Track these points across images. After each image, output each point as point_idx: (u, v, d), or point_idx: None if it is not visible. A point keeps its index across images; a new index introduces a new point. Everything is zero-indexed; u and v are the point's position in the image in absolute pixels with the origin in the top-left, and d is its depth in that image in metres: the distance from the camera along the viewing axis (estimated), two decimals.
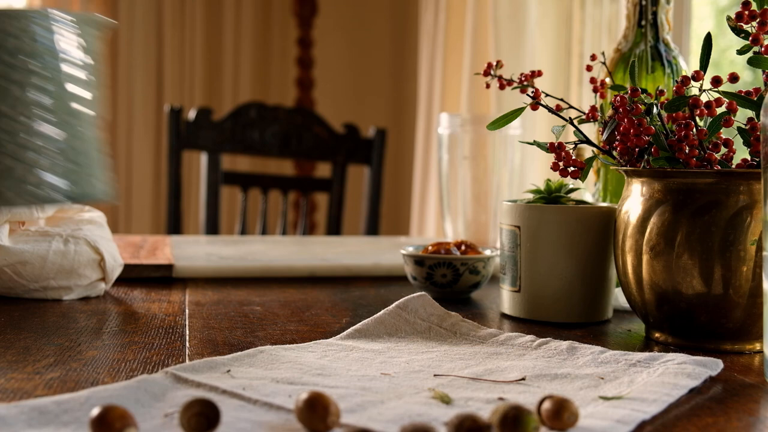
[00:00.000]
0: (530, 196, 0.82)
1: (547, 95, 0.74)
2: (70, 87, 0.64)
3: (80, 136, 0.64)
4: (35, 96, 0.61)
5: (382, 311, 0.69)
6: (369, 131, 1.94)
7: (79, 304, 0.81)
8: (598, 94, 0.77)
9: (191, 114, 1.85)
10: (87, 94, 0.65)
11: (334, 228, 1.91)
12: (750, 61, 0.65)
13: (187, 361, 0.59)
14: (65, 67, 0.63)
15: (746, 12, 0.65)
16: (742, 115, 0.67)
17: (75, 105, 0.64)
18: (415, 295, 0.71)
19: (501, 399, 0.49)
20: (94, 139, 0.66)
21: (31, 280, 0.80)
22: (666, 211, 0.66)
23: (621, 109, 0.68)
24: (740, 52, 0.66)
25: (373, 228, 1.90)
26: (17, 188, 0.60)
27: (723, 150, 0.67)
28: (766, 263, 0.56)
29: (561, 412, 0.43)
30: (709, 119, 0.66)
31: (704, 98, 0.66)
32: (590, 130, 0.81)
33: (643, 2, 0.83)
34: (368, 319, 0.68)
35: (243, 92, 3.36)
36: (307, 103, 3.39)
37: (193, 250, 1.18)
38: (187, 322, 0.73)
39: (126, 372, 0.56)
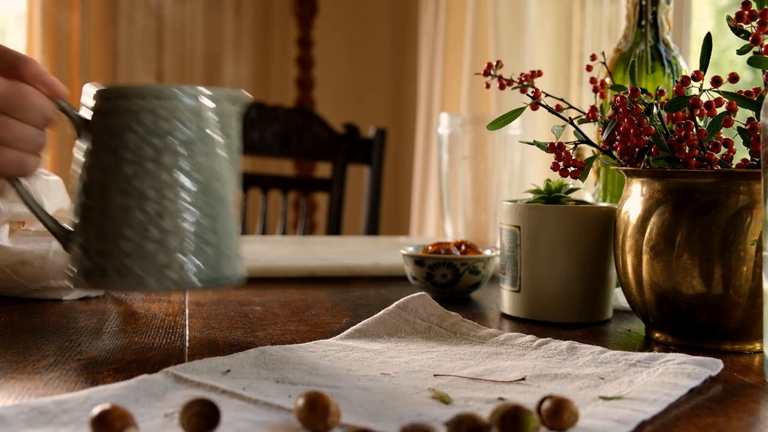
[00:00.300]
0: (530, 196, 0.82)
1: (547, 95, 0.74)
2: (213, 167, 0.63)
3: (220, 218, 0.63)
4: (180, 179, 0.61)
5: (382, 311, 0.69)
6: (369, 131, 1.94)
7: (79, 304, 0.81)
8: (598, 94, 0.77)
9: None
10: (228, 174, 0.65)
11: (334, 228, 1.90)
12: (750, 61, 0.65)
13: (187, 361, 0.59)
14: (209, 148, 0.63)
15: (746, 12, 0.65)
16: (742, 115, 0.67)
17: (216, 186, 0.63)
18: (415, 295, 0.71)
19: (501, 399, 0.49)
20: (232, 219, 0.65)
21: (31, 280, 0.80)
22: (666, 211, 0.66)
23: (621, 109, 0.68)
24: (740, 52, 0.66)
25: (373, 228, 1.90)
26: (157, 273, 0.60)
27: (723, 150, 0.67)
28: (766, 263, 0.56)
29: (561, 412, 0.43)
30: (709, 119, 0.66)
31: (704, 98, 0.66)
32: (590, 130, 0.81)
33: (643, 2, 0.83)
34: (368, 319, 0.68)
35: None
36: (307, 103, 3.39)
37: None
38: (187, 322, 0.73)
39: (126, 372, 0.56)
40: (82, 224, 0.62)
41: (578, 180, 0.73)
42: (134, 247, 0.60)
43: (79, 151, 0.63)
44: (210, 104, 0.64)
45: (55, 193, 0.84)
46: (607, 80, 0.79)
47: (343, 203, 1.91)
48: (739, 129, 0.66)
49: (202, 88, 0.63)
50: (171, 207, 0.61)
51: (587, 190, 0.98)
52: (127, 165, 0.61)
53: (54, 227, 0.65)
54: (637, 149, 0.69)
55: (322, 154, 1.91)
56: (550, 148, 0.72)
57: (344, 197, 1.91)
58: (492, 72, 0.75)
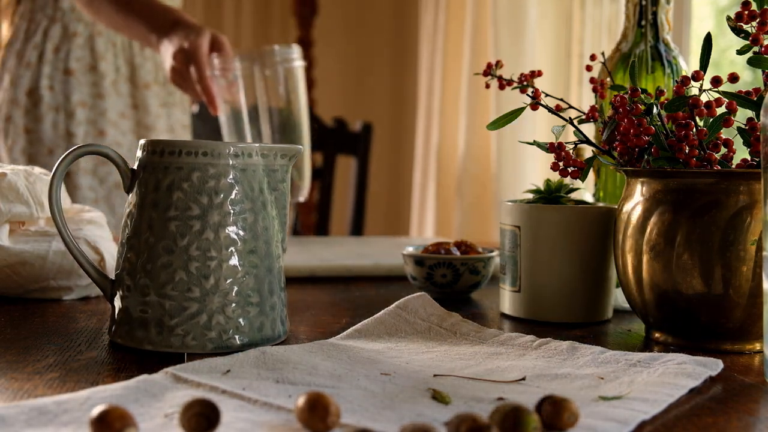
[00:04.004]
0: (530, 196, 0.82)
1: (547, 95, 0.74)
2: (260, 225, 0.63)
3: (264, 278, 0.63)
4: (226, 238, 0.61)
5: (382, 311, 0.69)
6: (356, 125, 2.07)
7: (79, 304, 0.81)
8: (598, 94, 0.77)
9: (194, 108, 1.86)
10: (274, 231, 0.64)
11: (324, 211, 2.04)
12: (750, 61, 0.65)
13: (186, 361, 0.59)
14: (256, 206, 0.63)
15: (746, 12, 0.65)
16: (742, 115, 0.67)
17: (262, 244, 0.63)
18: (415, 295, 0.71)
19: (501, 399, 0.49)
20: (277, 277, 0.65)
21: (31, 280, 0.80)
22: (666, 211, 0.66)
23: (621, 109, 0.68)
24: (740, 52, 0.66)
25: (359, 212, 2.06)
26: (197, 333, 0.60)
27: (723, 150, 0.67)
28: (766, 263, 0.56)
29: (561, 412, 0.43)
30: (709, 119, 0.66)
31: (704, 98, 0.66)
32: (590, 130, 0.81)
33: (643, 2, 0.83)
34: (368, 319, 0.68)
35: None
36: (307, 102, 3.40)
37: None
38: None
39: (126, 372, 0.56)
40: (125, 278, 0.62)
41: (578, 180, 0.73)
42: (176, 306, 0.60)
43: (128, 203, 0.64)
44: (260, 161, 0.63)
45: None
46: (607, 80, 0.79)
47: (332, 189, 2.08)
48: (739, 129, 0.66)
49: (253, 145, 0.63)
50: (215, 266, 0.61)
51: (587, 190, 0.97)
52: (173, 223, 0.61)
53: (97, 278, 0.66)
54: (637, 149, 0.69)
55: (314, 146, 2.05)
56: (550, 148, 0.72)
57: (333, 185, 2.08)
58: (492, 72, 0.75)
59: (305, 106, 1.22)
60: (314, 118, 2.04)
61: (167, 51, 1.23)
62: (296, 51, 1.20)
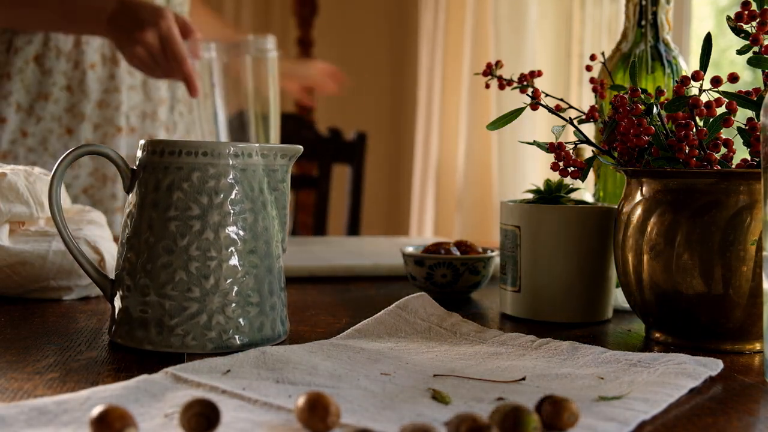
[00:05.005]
0: (530, 196, 0.82)
1: (547, 95, 0.74)
2: (260, 225, 0.63)
3: (264, 278, 0.63)
4: (226, 238, 0.61)
5: (382, 311, 0.69)
6: (350, 134, 2.13)
7: (79, 304, 0.81)
8: (598, 94, 0.77)
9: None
10: (274, 231, 0.64)
11: (321, 217, 2.09)
12: (750, 61, 0.65)
13: (186, 361, 0.59)
14: (256, 206, 0.63)
15: (746, 12, 0.65)
16: (742, 115, 0.67)
17: (262, 244, 0.63)
18: (415, 295, 0.71)
19: (501, 399, 0.49)
20: (277, 277, 0.65)
21: (31, 280, 0.80)
22: (666, 211, 0.66)
23: (621, 109, 0.68)
24: (740, 52, 0.66)
25: (354, 218, 2.10)
26: (197, 333, 0.60)
27: (723, 150, 0.67)
28: (766, 263, 0.56)
29: (561, 412, 0.43)
30: (709, 119, 0.66)
31: (704, 98, 0.66)
32: (590, 130, 0.81)
33: (643, 2, 0.83)
34: (368, 319, 0.68)
35: None
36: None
37: None
38: None
39: (126, 372, 0.56)
40: (125, 277, 0.62)
41: (578, 180, 0.73)
42: (176, 306, 0.60)
43: (128, 203, 0.64)
44: (260, 161, 0.63)
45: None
46: (607, 80, 0.79)
47: (329, 197, 2.13)
48: (739, 129, 0.66)
49: (253, 145, 0.63)
50: (215, 266, 0.61)
51: (587, 190, 0.97)
52: (173, 223, 0.61)
53: (97, 278, 0.66)
54: (637, 149, 0.69)
55: (310, 155, 2.11)
56: (550, 148, 0.72)
57: (329, 192, 2.13)
58: (492, 72, 0.75)
59: (277, 95, 1.22)
60: (311, 128, 2.08)
61: (125, 36, 1.15)
62: (271, 42, 1.21)
